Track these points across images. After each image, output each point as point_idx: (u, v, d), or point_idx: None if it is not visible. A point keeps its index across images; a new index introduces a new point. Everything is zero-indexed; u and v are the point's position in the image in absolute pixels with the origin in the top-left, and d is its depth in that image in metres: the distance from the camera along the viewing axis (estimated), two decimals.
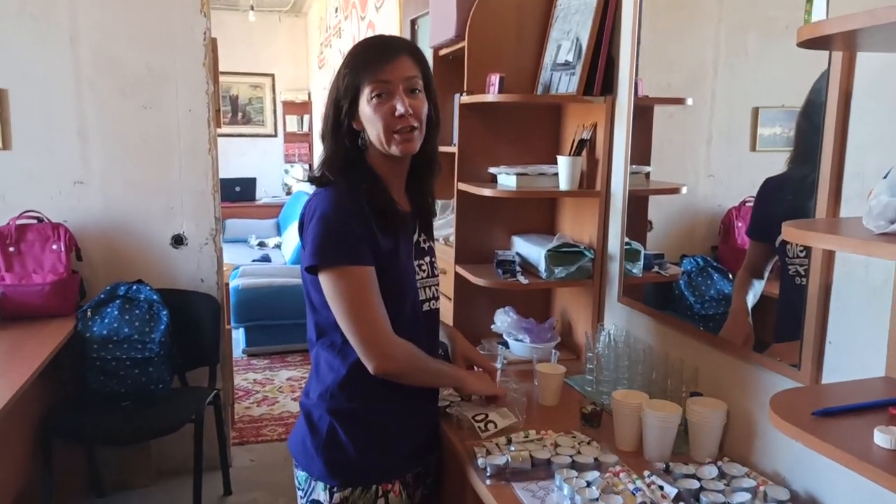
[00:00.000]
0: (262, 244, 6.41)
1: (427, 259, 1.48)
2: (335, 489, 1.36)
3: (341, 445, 1.36)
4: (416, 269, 1.43)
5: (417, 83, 1.34)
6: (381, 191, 1.36)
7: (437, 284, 1.51)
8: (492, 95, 1.96)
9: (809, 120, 1.27)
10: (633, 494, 1.24)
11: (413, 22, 3.43)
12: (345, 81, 1.33)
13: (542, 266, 1.90)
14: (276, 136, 7.59)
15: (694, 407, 1.41)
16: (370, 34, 2.47)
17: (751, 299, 1.54)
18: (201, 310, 2.96)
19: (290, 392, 4.08)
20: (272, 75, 7.54)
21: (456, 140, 2.11)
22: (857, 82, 1.15)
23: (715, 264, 1.77)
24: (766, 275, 1.50)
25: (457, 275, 2.09)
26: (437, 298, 1.49)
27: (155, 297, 2.80)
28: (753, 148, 1.62)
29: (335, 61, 6.13)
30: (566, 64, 1.96)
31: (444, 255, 2.38)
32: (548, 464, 1.35)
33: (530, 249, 1.99)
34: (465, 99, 2.04)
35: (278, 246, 6.39)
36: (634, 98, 1.81)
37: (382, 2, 4.69)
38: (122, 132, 2.88)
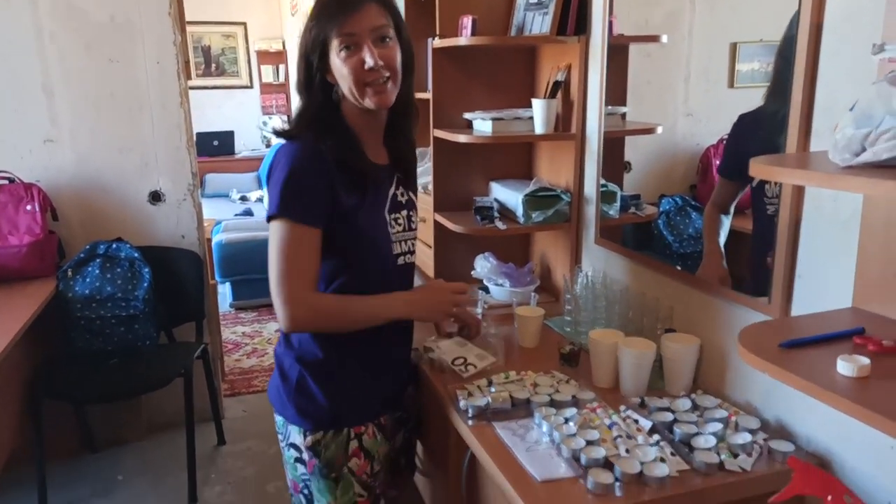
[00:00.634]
0: (243, 198, 6.35)
1: (404, 213, 1.45)
2: (308, 432, 1.39)
3: (311, 392, 1.39)
4: (392, 222, 1.41)
5: (387, 31, 1.30)
6: (348, 146, 1.33)
7: (414, 238, 1.48)
8: (464, 39, 1.92)
9: (784, 55, 1.26)
10: (609, 428, 1.28)
11: None
12: (311, 35, 1.30)
13: (519, 211, 1.90)
14: (251, 87, 7.42)
15: (668, 343, 1.44)
16: None
17: (722, 238, 1.55)
18: (184, 266, 2.95)
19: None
20: (244, 24, 7.32)
21: (430, 86, 2.08)
22: (828, 15, 1.14)
23: (693, 203, 1.79)
24: (732, 210, 1.51)
25: (436, 222, 2.09)
26: (412, 252, 1.47)
27: (136, 254, 2.79)
28: (731, 84, 1.61)
29: (308, 7, 5.96)
30: (539, 3, 1.92)
31: (423, 203, 2.37)
32: (527, 403, 1.39)
33: (508, 195, 1.99)
34: (438, 43, 2.00)
35: (260, 199, 6.33)
36: (609, 37, 1.78)
37: None
38: (90, 88, 2.81)
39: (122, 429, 3.04)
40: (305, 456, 1.40)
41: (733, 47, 1.57)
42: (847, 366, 0.85)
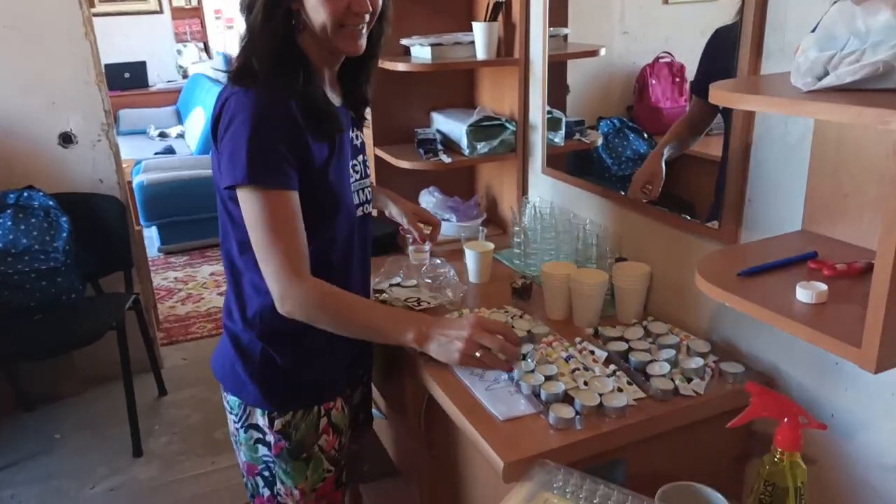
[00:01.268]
0: (163, 135, 6.01)
1: (360, 158, 1.32)
2: (275, 415, 1.27)
3: (276, 370, 1.27)
4: (350, 171, 1.29)
5: None
6: (317, 90, 1.18)
7: (370, 186, 1.38)
8: None
9: None
10: (567, 361, 1.29)
11: None
12: None
13: (464, 143, 1.84)
14: (161, 12, 6.90)
15: (619, 272, 1.44)
16: None
17: (674, 150, 1.52)
18: (105, 212, 2.78)
19: (214, 287, 3.99)
20: None
21: None
22: None
23: (631, 124, 1.78)
24: (703, 135, 1.47)
25: (377, 157, 2.01)
26: (369, 202, 1.36)
27: (51, 203, 2.60)
28: (666, 0, 1.58)
29: None
30: None
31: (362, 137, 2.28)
32: None
33: (451, 126, 1.92)
34: None
35: (181, 135, 6.01)
36: None
37: None
38: None
39: (56, 385, 2.91)
40: (271, 438, 1.29)
41: None
42: (805, 293, 0.85)
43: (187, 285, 4.05)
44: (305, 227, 1.17)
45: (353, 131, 1.31)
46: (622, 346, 1.31)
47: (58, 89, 2.70)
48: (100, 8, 6.33)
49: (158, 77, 6.88)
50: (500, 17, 1.81)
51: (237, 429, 1.33)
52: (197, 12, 7.05)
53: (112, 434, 2.68)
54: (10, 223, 2.49)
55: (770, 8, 1.12)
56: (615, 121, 1.81)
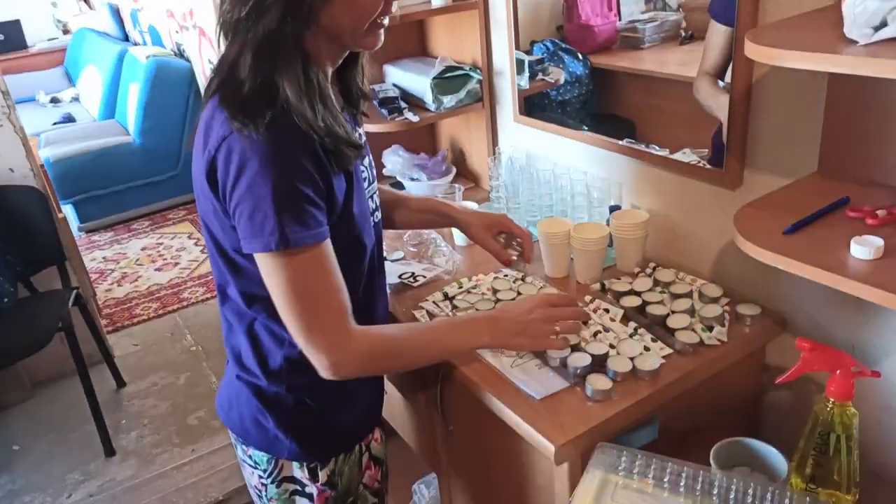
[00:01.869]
0: (55, 100, 5.50)
1: (367, 161, 1.14)
2: (319, 465, 1.15)
3: (313, 418, 1.13)
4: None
5: None
6: (334, 112, 0.97)
7: (377, 192, 1.19)
8: None
9: None
10: (585, 325, 1.26)
11: None
12: None
13: (428, 97, 1.73)
14: None
15: (618, 222, 1.41)
16: None
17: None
18: (23, 205, 2.53)
19: (150, 263, 3.76)
20: None
21: None
22: None
23: (564, 46, 1.73)
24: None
25: None
26: (378, 209, 1.18)
27: None
28: None
29: None
30: None
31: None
32: None
33: (410, 80, 1.80)
34: None
35: (76, 99, 5.52)
36: None
37: None
38: None
39: (2, 394, 2.71)
40: (313, 490, 1.16)
41: None
42: (863, 249, 0.84)
43: (119, 264, 3.80)
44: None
45: (355, 130, 1.13)
46: (636, 300, 1.30)
47: None
48: None
49: (37, 36, 6.22)
50: None
51: (263, 484, 1.18)
52: None
53: (76, 436, 2.54)
54: None
55: None
56: (548, 44, 1.76)
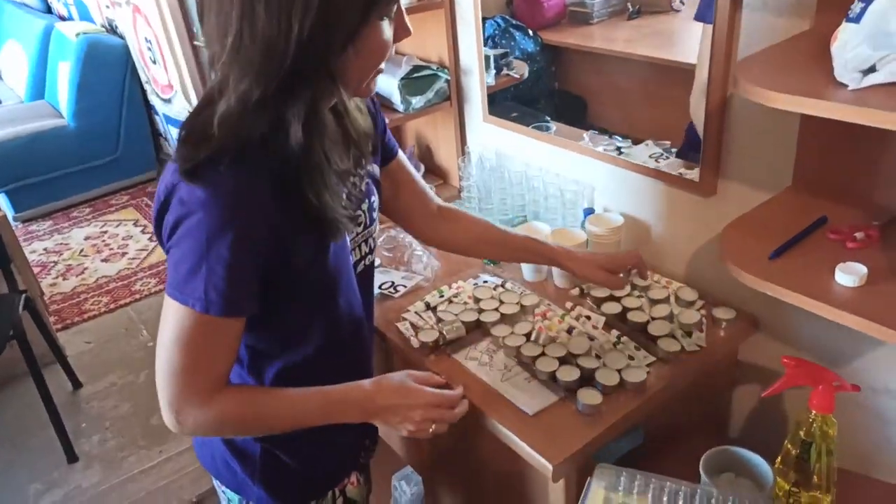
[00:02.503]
0: None
1: (366, 204, 1.03)
2: None
3: (281, 468, 1.07)
4: (350, 229, 0.99)
5: None
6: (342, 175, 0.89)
7: (376, 231, 1.11)
8: None
9: None
10: (569, 333, 1.29)
11: None
12: None
13: (396, 98, 1.70)
14: None
15: (593, 228, 1.44)
16: None
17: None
18: None
19: (95, 254, 3.62)
20: None
21: None
22: None
23: (515, 23, 1.73)
24: None
25: None
26: (372, 251, 1.10)
27: None
28: None
29: None
30: None
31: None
32: (478, 324, 1.34)
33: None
34: None
35: None
36: None
37: None
38: None
39: None
40: None
41: None
42: (848, 277, 0.89)
43: (62, 256, 3.64)
44: (291, 323, 0.97)
45: (358, 169, 1.00)
46: (616, 306, 1.33)
47: None
48: None
49: None
50: None
51: None
52: None
53: (35, 443, 2.45)
54: None
55: None
56: (499, 20, 1.76)
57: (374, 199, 1.07)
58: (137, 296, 3.22)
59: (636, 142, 1.47)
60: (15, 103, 4.55)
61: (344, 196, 0.92)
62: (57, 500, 2.24)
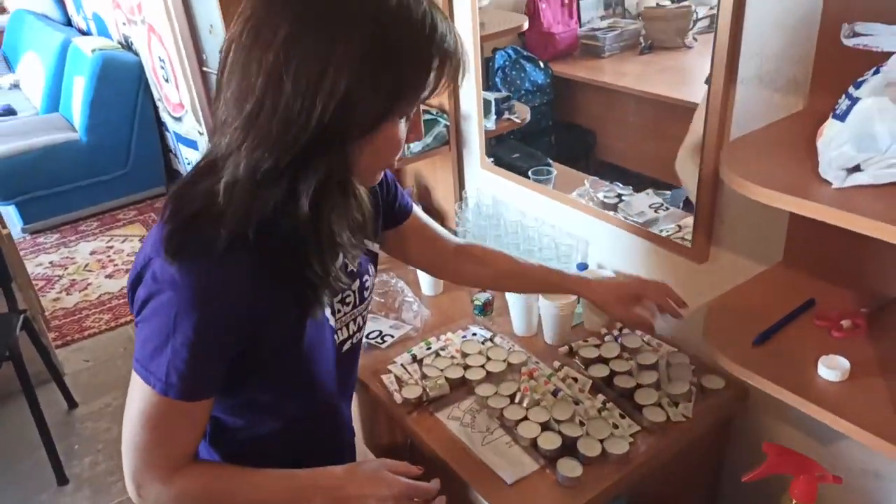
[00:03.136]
0: None
1: (356, 284, 1.01)
2: None
3: None
4: (337, 307, 0.98)
5: None
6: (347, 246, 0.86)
7: (367, 310, 1.07)
8: None
9: None
10: (555, 396, 1.27)
11: None
12: (386, 80, 0.73)
13: None
14: None
15: None
16: None
17: None
18: None
19: (100, 269, 3.63)
20: None
21: None
22: None
23: (526, 54, 1.73)
24: None
25: None
26: (361, 329, 1.07)
27: None
28: None
29: None
30: None
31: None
32: (463, 382, 1.33)
33: None
34: None
35: (16, 85, 5.24)
36: None
37: None
38: None
39: None
40: None
41: None
42: (830, 371, 0.86)
43: (67, 270, 3.66)
44: (260, 398, 0.94)
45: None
46: (604, 369, 1.31)
47: None
48: None
49: None
50: None
51: None
52: None
53: (26, 464, 2.45)
54: None
55: (745, 36, 1.07)
56: (510, 51, 1.76)
57: (368, 279, 1.04)
58: None
59: (638, 189, 1.45)
60: (31, 115, 4.61)
61: (340, 271, 0.89)
62: None
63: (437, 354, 1.40)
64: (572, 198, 1.54)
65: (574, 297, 1.40)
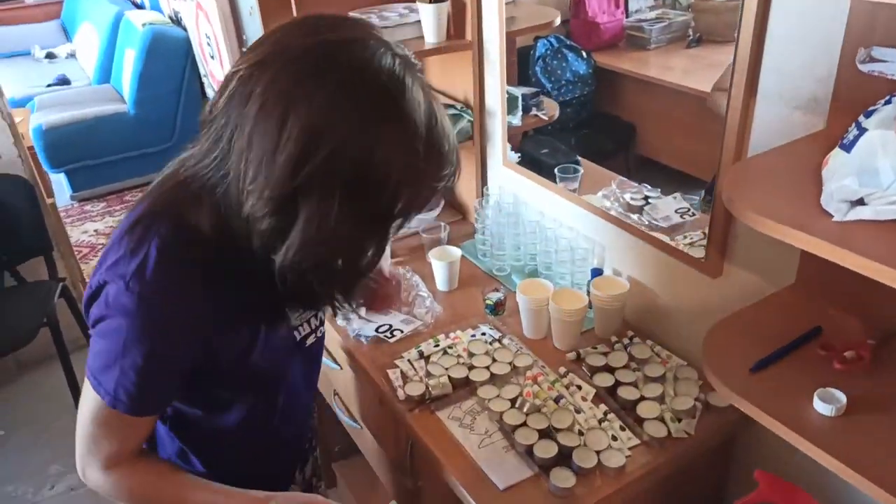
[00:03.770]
0: (50, 55, 5.38)
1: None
2: None
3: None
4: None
5: None
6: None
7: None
8: None
9: None
10: (557, 403, 1.27)
11: None
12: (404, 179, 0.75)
13: None
14: None
15: (597, 292, 1.40)
16: None
17: None
18: (9, 195, 2.50)
19: None
20: None
21: None
22: None
23: (569, 43, 1.69)
24: None
25: None
26: (322, 322, 1.10)
27: None
28: None
29: None
30: None
31: None
32: (467, 382, 1.33)
33: None
34: None
35: (73, 55, 5.40)
36: None
37: None
38: None
39: None
40: None
41: None
42: (825, 406, 0.84)
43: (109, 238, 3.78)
44: (218, 398, 0.98)
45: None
46: (609, 379, 1.30)
47: None
48: None
49: None
50: None
51: None
52: None
53: (60, 425, 2.56)
54: None
55: (767, 50, 1.03)
56: (552, 40, 1.72)
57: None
58: None
59: (667, 191, 1.42)
60: (84, 85, 4.75)
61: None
62: (73, 484, 2.34)
63: (445, 352, 1.41)
64: (596, 199, 1.51)
65: (583, 305, 1.39)
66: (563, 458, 1.16)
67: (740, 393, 0.89)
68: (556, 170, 1.65)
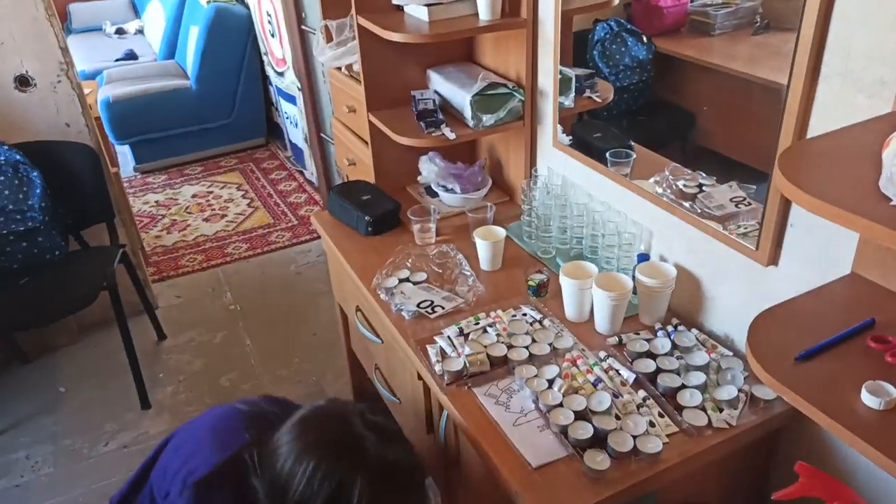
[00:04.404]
0: (120, 31, 5.57)
1: None
2: None
3: None
4: None
5: None
6: None
7: None
8: None
9: None
10: (595, 386, 1.26)
11: None
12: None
13: (468, 113, 1.69)
14: None
15: (643, 278, 1.38)
16: None
17: None
18: (76, 162, 2.60)
19: (198, 212, 3.86)
20: None
21: None
22: None
23: (629, 27, 1.65)
24: None
25: (372, 126, 1.86)
26: None
27: (18, 157, 2.42)
28: None
29: None
30: None
31: (354, 92, 2.10)
32: (505, 360, 1.33)
33: (452, 91, 1.76)
34: None
35: (140, 31, 5.57)
36: None
37: None
38: None
39: (51, 336, 2.87)
40: None
41: None
42: (873, 399, 0.81)
43: (170, 210, 3.91)
44: None
45: None
46: (650, 365, 1.28)
47: (3, 28, 2.43)
48: None
49: None
50: None
51: None
52: None
53: (116, 385, 2.67)
54: None
55: (832, 31, 0.98)
56: (612, 23, 1.68)
57: None
58: (228, 258, 3.41)
59: (722, 180, 1.38)
60: (150, 60, 4.89)
61: None
62: (126, 442, 2.44)
63: (485, 330, 1.41)
64: (647, 184, 1.48)
65: (627, 290, 1.36)
66: (599, 440, 1.15)
67: (783, 381, 0.86)
68: (607, 153, 1.62)
